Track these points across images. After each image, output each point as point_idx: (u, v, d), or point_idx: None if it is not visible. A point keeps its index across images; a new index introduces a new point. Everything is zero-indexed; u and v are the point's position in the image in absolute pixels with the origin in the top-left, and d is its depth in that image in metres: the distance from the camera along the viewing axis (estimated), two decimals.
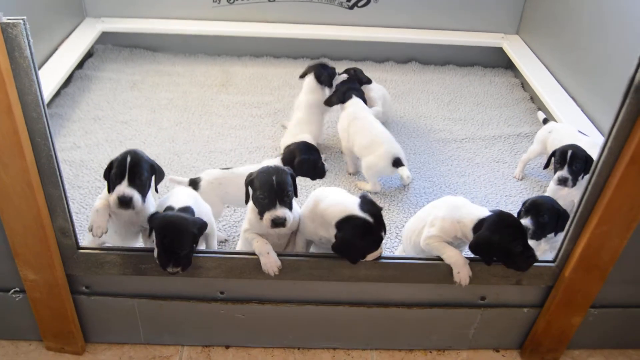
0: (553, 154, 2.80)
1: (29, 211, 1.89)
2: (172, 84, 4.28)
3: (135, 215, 2.18)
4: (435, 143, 3.75)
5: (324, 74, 3.53)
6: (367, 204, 2.05)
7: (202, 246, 2.41)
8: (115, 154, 3.33)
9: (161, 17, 4.63)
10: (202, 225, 2.05)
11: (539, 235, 2.46)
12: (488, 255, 2.08)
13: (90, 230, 2.09)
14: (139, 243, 2.38)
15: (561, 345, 2.41)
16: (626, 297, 2.33)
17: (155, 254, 1.98)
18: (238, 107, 4.03)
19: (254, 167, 2.63)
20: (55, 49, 4.08)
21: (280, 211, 2.00)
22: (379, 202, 3.11)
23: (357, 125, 3.26)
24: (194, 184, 2.69)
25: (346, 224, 2.00)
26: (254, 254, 2.09)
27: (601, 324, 2.38)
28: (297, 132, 3.35)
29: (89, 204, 2.96)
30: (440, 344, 2.44)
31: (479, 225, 2.07)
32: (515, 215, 2.43)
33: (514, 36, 4.80)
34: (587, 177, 2.02)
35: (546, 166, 2.90)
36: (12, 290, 2.21)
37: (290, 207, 2.04)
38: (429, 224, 2.22)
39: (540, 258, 2.36)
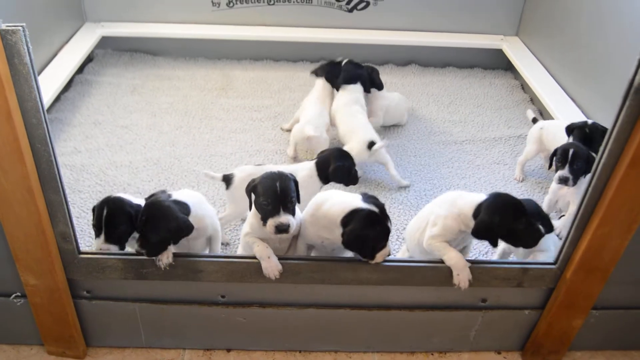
0: (554, 152, 2.80)
1: (30, 217, 1.90)
2: (172, 88, 4.28)
3: None
4: (436, 145, 3.75)
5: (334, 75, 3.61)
6: (369, 198, 2.07)
7: (205, 250, 2.42)
8: (115, 158, 3.41)
9: (161, 21, 4.63)
10: (182, 225, 2.03)
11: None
12: (492, 238, 2.06)
13: None
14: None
15: (563, 347, 2.41)
16: (627, 298, 2.32)
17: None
18: (238, 111, 4.04)
19: (286, 167, 2.73)
20: (55, 54, 4.09)
21: (284, 217, 2.00)
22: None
23: (343, 114, 3.46)
24: (227, 179, 2.73)
25: (352, 217, 2.00)
26: (254, 257, 2.09)
27: (603, 325, 2.38)
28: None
29: (90, 209, 2.95)
30: (441, 346, 2.44)
31: (478, 210, 2.07)
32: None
33: (514, 38, 4.80)
34: (588, 176, 2.02)
35: (550, 166, 2.89)
36: (14, 295, 2.21)
37: (293, 213, 2.04)
38: (431, 223, 2.22)
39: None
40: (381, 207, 2.05)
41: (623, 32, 3.34)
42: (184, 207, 2.11)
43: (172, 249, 2.08)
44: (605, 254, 2.06)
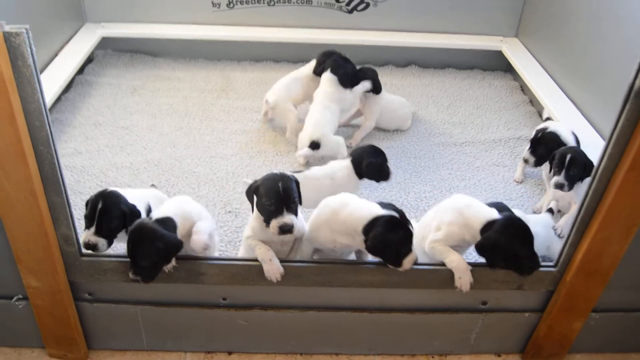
0: (553, 156, 2.81)
1: (32, 219, 1.90)
2: (172, 89, 4.28)
3: None
4: (435, 147, 3.75)
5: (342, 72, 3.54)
6: (387, 205, 2.08)
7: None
8: (116, 159, 3.40)
9: (161, 22, 4.63)
10: (170, 242, 1.99)
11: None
12: (493, 258, 2.08)
13: None
14: None
15: (562, 350, 2.42)
16: (627, 301, 2.33)
17: None
18: (239, 112, 4.04)
19: (323, 170, 2.79)
20: (56, 55, 4.08)
21: (288, 218, 2.01)
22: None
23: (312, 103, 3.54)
24: None
25: (375, 223, 2.01)
26: (256, 260, 2.10)
27: (602, 328, 2.39)
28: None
29: None
30: (442, 349, 2.45)
31: (487, 227, 2.08)
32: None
33: (513, 39, 4.80)
34: (587, 179, 2.03)
35: (550, 170, 2.87)
36: (15, 298, 2.22)
37: (296, 214, 2.05)
38: (434, 227, 2.23)
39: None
40: (401, 212, 2.07)
41: (622, 34, 3.35)
42: (170, 223, 2.05)
43: None
44: (605, 257, 2.07)
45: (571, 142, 3.08)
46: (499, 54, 4.72)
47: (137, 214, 2.20)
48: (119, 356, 2.37)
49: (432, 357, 2.45)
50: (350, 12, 4.70)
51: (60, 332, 2.24)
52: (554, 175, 2.77)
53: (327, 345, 2.41)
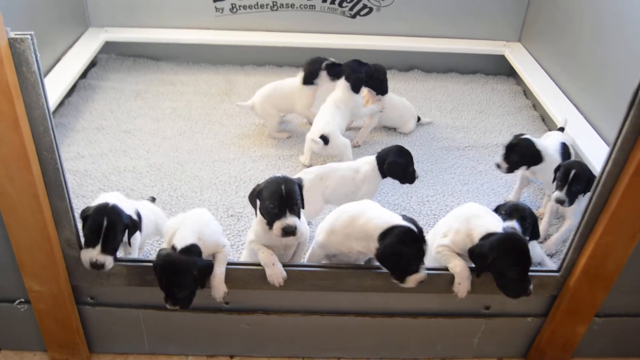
0: (558, 168, 2.78)
1: (35, 223, 1.90)
2: (175, 93, 4.29)
3: None
4: (438, 151, 3.75)
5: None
6: (408, 219, 2.05)
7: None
8: (119, 163, 3.41)
9: (164, 26, 4.64)
10: (203, 267, 2.00)
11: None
12: (480, 267, 2.08)
13: None
14: None
15: (566, 354, 2.41)
16: (631, 306, 2.33)
17: None
18: (241, 116, 4.04)
19: (348, 164, 2.87)
20: (59, 59, 4.10)
21: (291, 220, 2.01)
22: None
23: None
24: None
25: (390, 232, 1.99)
26: (259, 264, 2.10)
27: (606, 333, 2.38)
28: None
29: None
30: (445, 353, 2.44)
31: (485, 238, 2.07)
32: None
33: (516, 44, 4.80)
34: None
35: (553, 180, 2.85)
36: (17, 301, 2.22)
37: (299, 216, 2.05)
38: (443, 233, 2.23)
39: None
40: (419, 228, 2.04)
41: (625, 38, 3.34)
42: (195, 250, 2.01)
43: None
44: (609, 262, 2.07)
45: (552, 152, 3.01)
46: (501, 59, 4.72)
47: (137, 225, 2.16)
48: (120, 359, 2.38)
49: None
50: (353, 17, 4.71)
51: (63, 336, 2.25)
52: (556, 189, 2.75)
53: (330, 350, 2.40)
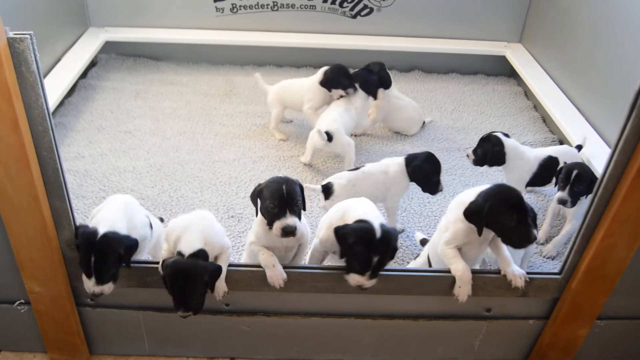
0: (560, 170, 2.78)
1: (35, 224, 1.90)
2: (175, 94, 4.29)
3: None
4: (439, 152, 3.73)
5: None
6: (385, 226, 2.01)
7: None
8: (119, 163, 3.40)
9: (164, 26, 4.64)
10: (214, 271, 1.96)
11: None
12: (479, 224, 2.05)
13: None
14: None
15: (567, 357, 2.40)
16: (633, 308, 2.32)
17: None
18: (241, 117, 4.03)
19: (379, 166, 2.86)
20: (59, 59, 4.09)
21: (291, 220, 2.00)
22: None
23: None
24: (327, 189, 2.79)
25: (355, 224, 1.99)
26: (259, 266, 2.09)
27: (607, 335, 2.38)
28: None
29: (93, 215, 2.95)
30: (445, 356, 2.43)
31: (478, 197, 2.07)
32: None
33: (517, 44, 4.80)
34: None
35: (555, 183, 2.84)
36: (17, 302, 2.21)
37: (299, 217, 2.04)
38: (443, 228, 2.22)
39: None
40: (389, 233, 1.98)
41: (627, 39, 3.34)
42: (202, 255, 1.97)
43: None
44: (611, 264, 2.06)
45: (526, 158, 3.01)
46: (502, 59, 4.72)
47: (134, 247, 2.03)
48: None
49: None
50: (354, 17, 4.70)
51: (63, 337, 2.24)
52: (558, 190, 2.75)
53: (330, 352, 2.40)
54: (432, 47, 4.70)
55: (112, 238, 1.94)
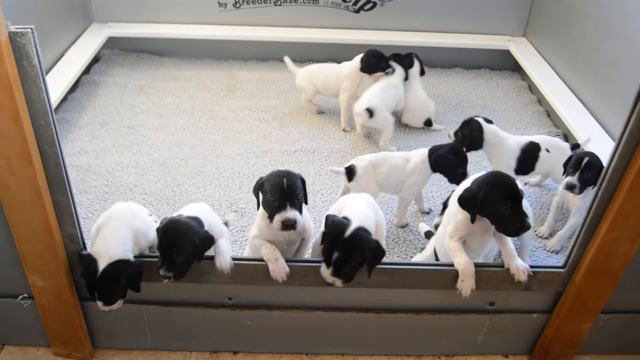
0: (569, 159, 2.77)
1: (37, 218, 1.90)
2: (178, 89, 4.28)
3: None
4: None
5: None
6: (360, 231, 1.98)
7: None
8: (122, 159, 3.40)
9: (167, 22, 4.63)
10: (205, 238, 1.99)
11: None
12: (472, 211, 2.04)
13: None
14: None
15: (571, 351, 2.40)
16: (637, 302, 2.31)
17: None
18: (244, 112, 4.03)
19: (401, 153, 2.93)
20: (62, 54, 4.10)
21: (291, 213, 1.99)
22: (390, 207, 3.11)
23: None
24: (350, 171, 2.86)
25: (337, 218, 2.02)
26: (262, 260, 2.09)
27: (611, 329, 2.37)
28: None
29: (97, 209, 2.96)
30: (449, 350, 2.43)
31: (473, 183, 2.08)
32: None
33: (521, 38, 4.77)
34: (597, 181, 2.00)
35: (563, 173, 2.83)
36: (21, 297, 2.22)
37: (300, 210, 2.03)
38: (446, 222, 2.21)
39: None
40: (355, 238, 1.96)
41: (631, 33, 3.31)
42: (199, 222, 2.03)
43: None
44: (615, 258, 2.05)
45: (508, 145, 3.06)
46: (506, 54, 4.69)
47: (137, 275, 2.02)
48: (124, 355, 2.37)
49: (439, 358, 2.43)
50: (357, 11, 4.69)
51: (66, 331, 2.24)
52: (567, 176, 2.73)
53: (333, 346, 2.39)
54: (435, 41, 4.67)
55: (112, 272, 1.94)
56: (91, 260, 1.94)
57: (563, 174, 2.78)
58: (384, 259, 2.03)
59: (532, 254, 2.84)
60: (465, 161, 2.83)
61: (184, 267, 1.97)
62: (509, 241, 2.16)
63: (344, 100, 3.86)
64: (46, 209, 1.88)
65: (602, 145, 3.19)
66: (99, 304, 1.98)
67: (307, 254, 2.36)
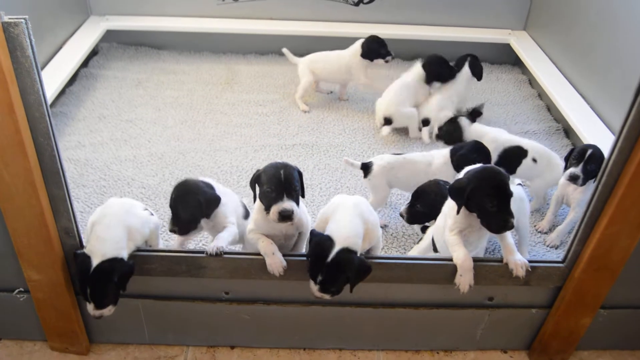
0: (571, 152, 2.76)
1: (32, 211, 1.88)
2: (177, 82, 4.26)
3: None
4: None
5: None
6: (343, 253, 1.94)
7: None
8: (120, 152, 3.39)
9: (166, 15, 4.61)
10: (211, 197, 2.16)
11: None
12: (459, 201, 2.03)
13: None
14: None
15: (570, 346, 2.39)
16: (636, 298, 2.30)
17: None
18: (243, 105, 4.01)
19: (423, 155, 2.90)
20: (60, 47, 4.07)
21: (287, 204, 1.97)
22: (390, 205, 3.09)
23: None
24: (366, 167, 2.86)
25: (321, 236, 1.98)
26: (259, 254, 2.07)
27: (611, 324, 2.35)
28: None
29: (94, 203, 2.95)
30: (447, 345, 2.42)
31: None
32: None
33: (521, 32, 4.75)
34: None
35: (565, 167, 2.82)
36: (16, 291, 2.21)
37: (297, 202, 2.01)
38: (445, 216, 2.19)
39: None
40: (340, 263, 1.92)
41: (632, 26, 3.29)
42: (209, 186, 2.22)
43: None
44: (615, 252, 2.03)
45: (492, 136, 3.14)
46: (507, 47, 4.67)
47: (128, 273, 2.00)
48: (120, 349, 2.36)
49: (437, 353, 2.42)
50: (357, 4, 4.66)
51: (62, 325, 2.23)
52: (570, 167, 2.72)
53: (331, 341, 2.38)
54: (435, 34, 4.65)
55: (105, 269, 1.92)
56: (85, 258, 1.93)
57: (565, 168, 2.77)
58: (384, 253, 2.02)
59: (532, 249, 2.82)
60: (488, 158, 2.81)
61: (189, 222, 2.15)
62: (509, 235, 2.14)
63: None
64: (41, 201, 1.86)
65: (602, 139, 3.17)
66: (90, 307, 1.96)
67: (304, 249, 2.35)
